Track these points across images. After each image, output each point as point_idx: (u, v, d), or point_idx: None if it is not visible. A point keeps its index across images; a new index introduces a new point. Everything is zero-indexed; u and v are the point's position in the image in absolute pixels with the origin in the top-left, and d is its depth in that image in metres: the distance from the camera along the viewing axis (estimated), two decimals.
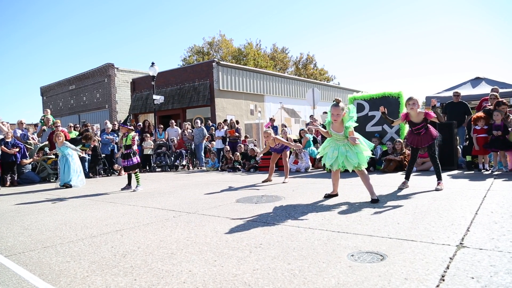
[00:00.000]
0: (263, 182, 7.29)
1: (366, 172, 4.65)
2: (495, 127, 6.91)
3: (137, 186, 7.17)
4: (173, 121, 14.26)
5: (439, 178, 5.20)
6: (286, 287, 2.09)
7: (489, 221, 3.22)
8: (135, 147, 7.37)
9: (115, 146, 11.98)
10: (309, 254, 2.61)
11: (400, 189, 5.33)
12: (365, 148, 4.61)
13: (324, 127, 9.37)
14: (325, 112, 12.24)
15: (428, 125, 5.22)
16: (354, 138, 4.39)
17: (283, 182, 7.04)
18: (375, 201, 4.41)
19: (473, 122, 7.48)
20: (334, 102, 4.55)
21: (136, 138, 7.41)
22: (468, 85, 13.26)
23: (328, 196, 4.97)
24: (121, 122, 7.53)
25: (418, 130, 5.23)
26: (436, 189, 5.04)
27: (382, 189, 5.41)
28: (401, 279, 2.08)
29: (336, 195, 5.02)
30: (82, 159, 10.12)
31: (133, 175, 7.38)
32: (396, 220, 3.44)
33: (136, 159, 7.31)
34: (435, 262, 2.29)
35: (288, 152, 7.45)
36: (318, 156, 4.80)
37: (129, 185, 7.31)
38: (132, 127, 7.79)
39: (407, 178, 5.48)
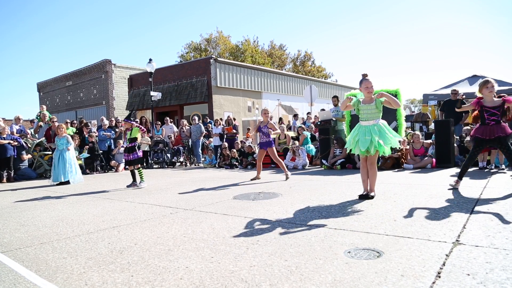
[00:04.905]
0: (251, 180, 7.13)
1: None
2: None
3: (140, 182, 7.08)
4: (167, 118, 14.17)
5: None
6: (283, 283, 2.09)
7: (485, 219, 3.24)
8: (139, 136, 7.29)
9: (112, 142, 11.95)
10: (306, 251, 2.61)
11: (453, 188, 4.96)
12: (395, 135, 4.44)
13: (328, 122, 9.44)
14: (323, 109, 12.27)
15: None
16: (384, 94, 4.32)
17: (287, 179, 6.84)
18: (370, 198, 4.44)
19: (473, 121, 7.49)
20: (363, 76, 4.46)
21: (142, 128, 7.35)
22: (465, 83, 13.32)
23: (362, 197, 4.53)
24: (125, 118, 7.49)
25: (492, 116, 4.75)
26: None
27: (379, 186, 5.42)
28: (398, 275, 2.09)
29: (370, 196, 4.54)
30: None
31: (136, 172, 7.17)
32: (393, 217, 3.45)
33: (140, 152, 7.26)
34: (431, 259, 2.31)
35: (275, 149, 7.28)
36: (349, 148, 4.56)
37: (135, 181, 7.11)
38: (135, 122, 7.69)
39: (460, 177, 5.00)
